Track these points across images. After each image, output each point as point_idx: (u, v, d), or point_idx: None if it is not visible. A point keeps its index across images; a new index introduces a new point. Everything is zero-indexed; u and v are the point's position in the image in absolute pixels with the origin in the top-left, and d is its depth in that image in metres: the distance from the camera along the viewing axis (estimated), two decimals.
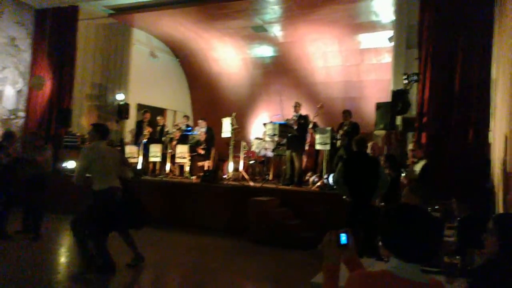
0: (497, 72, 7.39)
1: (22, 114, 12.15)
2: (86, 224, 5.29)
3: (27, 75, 12.19)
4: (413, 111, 8.59)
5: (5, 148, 7.21)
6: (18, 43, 12.02)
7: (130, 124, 12.69)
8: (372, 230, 5.25)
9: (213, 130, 11.18)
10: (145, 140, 11.17)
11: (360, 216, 5.61)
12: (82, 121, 12.75)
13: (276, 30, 12.79)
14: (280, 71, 13.89)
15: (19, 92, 12.10)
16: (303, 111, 9.90)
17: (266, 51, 13.88)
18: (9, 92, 11.86)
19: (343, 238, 2.11)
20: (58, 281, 5.34)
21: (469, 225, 3.84)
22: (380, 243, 2.05)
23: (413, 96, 8.58)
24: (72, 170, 10.72)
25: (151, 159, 10.96)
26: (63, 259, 6.56)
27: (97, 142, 5.44)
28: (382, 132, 9.03)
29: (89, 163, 5.25)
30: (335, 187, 6.40)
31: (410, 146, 6.72)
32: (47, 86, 12.05)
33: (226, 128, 10.05)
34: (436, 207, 4.60)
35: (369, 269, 2.04)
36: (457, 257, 2.80)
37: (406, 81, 8.38)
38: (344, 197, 6.31)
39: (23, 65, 12.13)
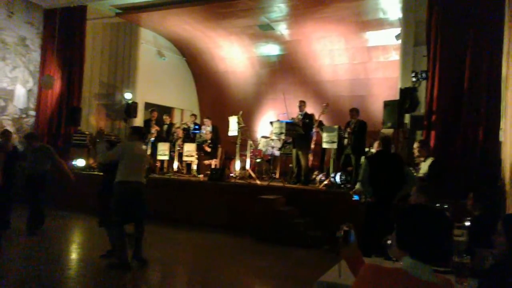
0: (507, 69, 7.25)
1: (32, 113, 12.33)
2: (111, 216, 5.66)
3: (37, 75, 12.36)
4: (421, 109, 8.50)
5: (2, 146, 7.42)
6: (28, 43, 12.20)
7: (138, 122, 12.74)
8: (382, 229, 5.15)
9: (219, 128, 11.18)
10: (152, 139, 11.25)
11: (382, 216, 5.46)
12: (91, 119, 12.92)
13: (283, 29, 12.75)
14: (286, 70, 13.86)
15: (29, 91, 12.28)
16: (310, 110, 9.85)
17: (272, 49, 13.85)
18: (20, 91, 12.04)
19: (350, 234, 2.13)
20: (70, 276, 5.43)
21: (480, 224, 3.77)
22: (388, 242, 2.02)
23: (422, 94, 8.48)
24: (82, 168, 10.87)
25: (159, 157, 11.01)
26: (74, 256, 6.66)
27: (135, 141, 6.00)
28: (390, 131, 8.94)
29: (121, 155, 5.73)
30: (358, 186, 6.20)
31: (416, 145, 6.62)
32: (57, 85, 12.20)
33: (233, 126, 10.04)
34: (445, 206, 4.52)
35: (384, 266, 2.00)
36: (467, 257, 2.74)
37: (414, 79, 8.29)
38: (363, 200, 6.21)
39: (33, 65, 12.30)
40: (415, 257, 1.72)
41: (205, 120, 11.60)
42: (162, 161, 11.25)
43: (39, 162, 7.39)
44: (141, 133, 6.43)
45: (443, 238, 1.73)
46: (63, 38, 12.22)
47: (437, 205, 4.43)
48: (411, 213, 1.82)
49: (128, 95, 12.42)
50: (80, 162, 11.05)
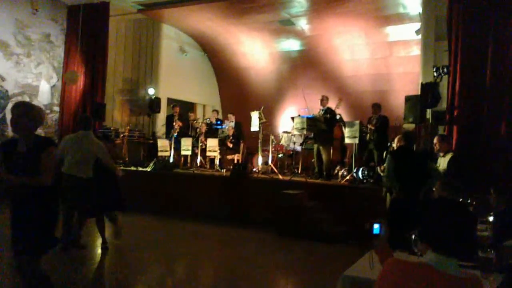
0: None
1: (56, 108, 12.58)
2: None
3: (61, 70, 12.58)
4: (443, 104, 8.50)
5: None
6: (52, 39, 12.43)
7: (161, 118, 12.96)
8: (406, 224, 5.23)
9: (242, 124, 11.30)
10: (175, 134, 11.42)
11: (407, 211, 5.51)
12: (115, 115, 13.15)
13: (303, 24, 12.78)
14: (307, 65, 13.88)
15: (53, 87, 12.52)
16: (331, 105, 9.90)
17: (293, 44, 13.89)
18: (44, 87, 12.29)
19: (376, 228, 2.16)
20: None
21: (504, 219, 3.82)
22: (413, 237, 2.08)
23: (443, 88, 8.47)
24: None
25: (183, 153, 11.18)
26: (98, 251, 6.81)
27: (78, 133, 5.99)
28: (412, 126, 8.96)
29: (62, 153, 5.77)
30: (385, 181, 6.16)
31: (434, 140, 6.61)
32: (80, 81, 12.40)
33: (255, 122, 10.16)
34: (468, 201, 4.59)
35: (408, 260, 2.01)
36: (492, 252, 2.81)
37: (436, 74, 8.28)
38: (387, 193, 6.28)
39: (57, 61, 12.53)
40: (437, 251, 1.72)
41: (229, 115, 11.77)
42: (185, 156, 11.44)
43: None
44: (85, 123, 6.01)
45: (465, 231, 1.73)
46: (86, 34, 12.39)
47: (460, 200, 4.51)
48: (434, 207, 1.80)
49: (151, 91, 12.62)
50: None
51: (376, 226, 2.24)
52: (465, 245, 1.74)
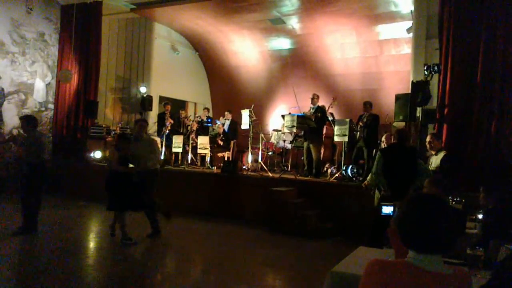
0: None
1: (51, 106, 12.67)
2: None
3: (55, 69, 12.67)
4: (433, 103, 8.50)
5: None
6: (47, 38, 12.52)
7: (153, 116, 12.99)
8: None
9: (237, 123, 11.31)
10: (167, 131, 11.47)
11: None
12: (107, 112, 13.16)
13: (294, 22, 12.77)
14: (298, 63, 13.89)
15: (48, 85, 12.61)
16: (322, 103, 9.89)
17: (284, 43, 13.88)
18: (39, 85, 12.37)
19: (386, 209, 2.10)
20: (88, 264, 5.71)
21: (494, 217, 3.81)
22: None
23: (434, 87, 8.47)
24: (98, 160, 11.15)
25: (174, 150, 11.25)
26: (92, 244, 6.92)
27: None
28: (402, 124, 8.95)
29: None
30: (373, 178, 6.11)
31: (428, 138, 6.62)
32: (74, 79, 12.48)
33: (245, 120, 10.16)
34: (458, 199, 4.58)
35: (389, 259, 1.98)
36: (481, 249, 2.79)
37: (426, 72, 8.28)
38: (376, 192, 6.27)
39: (51, 59, 12.63)
40: (413, 248, 1.68)
41: (226, 112, 11.80)
42: (177, 153, 11.48)
43: None
44: (26, 122, 6.89)
45: (438, 225, 1.65)
46: (79, 33, 12.47)
47: (450, 198, 4.49)
48: (407, 203, 1.74)
49: (143, 89, 12.70)
50: (97, 154, 11.38)
51: (385, 207, 2.15)
52: (441, 239, 1.66)
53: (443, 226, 1.65)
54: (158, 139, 11.38)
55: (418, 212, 1.68)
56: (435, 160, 6.41)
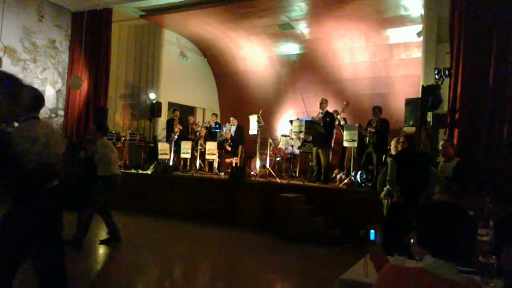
0: None
1: (61, 112, 12.80)
2: None
3: (66, 76, 12.81)
4: (444, 107, 8.38)
5: None
6: (57, 45, 12.68)
7: (162, 122, 13.06)
8: (405, 228, 5.09)
9: (243, 128, 11.28)
10: (175, 137, 11.50)
11: (406, 215, 5.34)
12: (117, 119, 13.24)
13: (302, 27, 12.74)
14: (306, 68, 13.84)
15: (58, 91, 12.74)
16: (331, 108, 9.81)
17: (292, 48, 13.85)
18: (50, 92, 12.50)
19: (372, 234, 2.11)
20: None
21: (506, 224, 3.70)
22: (412, 241, 1.99)
23: (445, 91, 8.36)
24: None
25: (183, 156, 11.26)
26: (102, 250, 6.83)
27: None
28: (412, 129, 8.82)
29: None
30: (389, 185, 5.99)
31: (443, 144, 6.48)
32: (84, 86, 12.60)
33: (253, 125, 10.12)
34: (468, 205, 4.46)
35: (405, 265, 2.00)
36: (493, 256, 2.70)
37: (437, 77, 8.17)
38: (385, 199, 6.16)
39: (61, 66, 12.77)
40: (437, 255, 1.68)
41: (231, 118, 11.78)
42: (185, 159, 11.49)
43: None
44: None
45: (462, 235, 1.68)
46: (90, 40, 12.61)
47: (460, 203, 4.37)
48: (430, 210, 1.77)
49: (152, 95, 12.81)
50: None
51: (372, 232, 2.16)
52: (462, 249, 1.69)
53: (465, 235, 1.70)
54: (167, 145, 11.40)
55: (442, 220, 1.71)
56: (447, 167, 6.28)
